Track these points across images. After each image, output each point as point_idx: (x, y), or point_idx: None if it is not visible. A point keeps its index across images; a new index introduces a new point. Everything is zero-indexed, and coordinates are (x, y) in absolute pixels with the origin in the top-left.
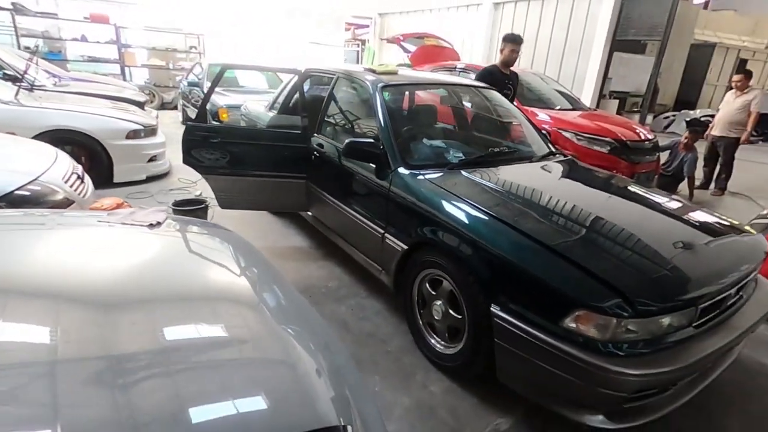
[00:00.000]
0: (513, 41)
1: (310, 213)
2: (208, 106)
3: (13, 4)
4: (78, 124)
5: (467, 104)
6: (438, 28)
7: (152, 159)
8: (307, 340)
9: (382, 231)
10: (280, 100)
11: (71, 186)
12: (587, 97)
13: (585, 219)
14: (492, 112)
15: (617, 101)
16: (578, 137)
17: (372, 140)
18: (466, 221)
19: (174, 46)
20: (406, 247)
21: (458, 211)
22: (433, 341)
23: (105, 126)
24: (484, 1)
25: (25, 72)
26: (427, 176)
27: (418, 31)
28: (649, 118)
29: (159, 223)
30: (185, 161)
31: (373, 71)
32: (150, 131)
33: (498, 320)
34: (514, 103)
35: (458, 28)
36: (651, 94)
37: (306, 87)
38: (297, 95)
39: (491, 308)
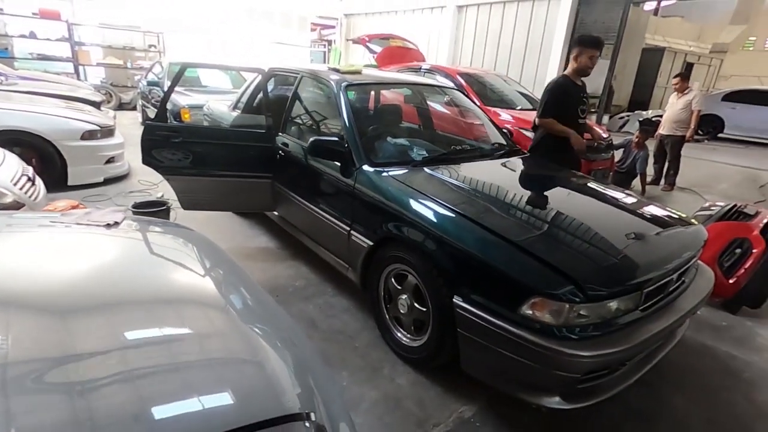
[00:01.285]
0: (594, 45)
1: (276, 213)
2: (169, 107)
3: None
4: (28, 125)
5: (431, 104)
6: (403, 30)
7: (110, 160)
8: (271, 336)
9: (348, 228)
10: (244, 99)
11: (21, 188)
12: None
13: (542, 213)
14: (454, 111)
15: None
16: None
17: (336, 138)
18: (429, 216)
19: (132, 45)
20: (371, 243)
21: (421, 206)
22: (399, 335)
23: (57, 126)
24: (447, 4)
25: None
26: (391, 173)
27: (383, 32)
28: (606, 119)
29: (117, 223)
30: (145, 162)
31: (338, 71)
32: (107, 132)
33: (460, 311)
34: (477, 103)
35: (423, 30)
36: (607, 96)
37: (270, 87)
38: (261, 95)
39: (454, 299)
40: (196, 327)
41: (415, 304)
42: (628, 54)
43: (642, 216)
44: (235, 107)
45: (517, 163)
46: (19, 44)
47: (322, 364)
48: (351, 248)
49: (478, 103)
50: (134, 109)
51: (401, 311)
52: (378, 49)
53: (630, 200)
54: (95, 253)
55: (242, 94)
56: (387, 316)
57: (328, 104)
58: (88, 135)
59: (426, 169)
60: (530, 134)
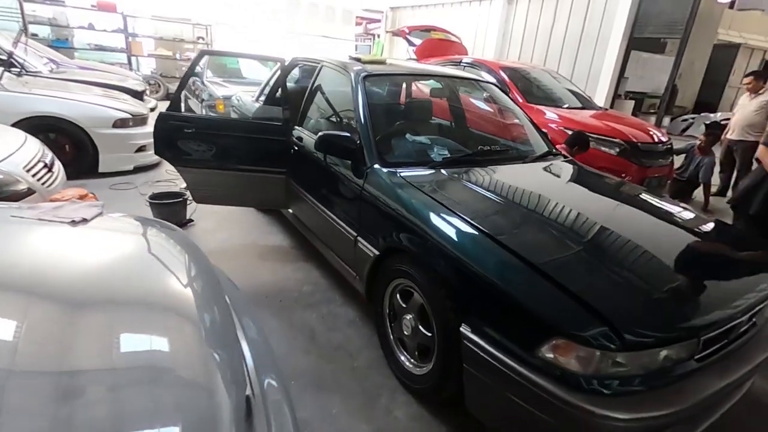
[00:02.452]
0: None
1: (290, 211)
2: (206, 98)
3: None
4: (62, 111)
5: (464, 99)
6: (450, 23)
7: (141, 149)
8: (226, 367)
9: (355, 234)
10: (267, 90)
11: (34, 175)
12: (601, 97)
13: (576, 231)
14: (488, 107)
15: (633, 102)
16: None
17: (347, 134)
18: (439, 228)
19: (182, 36)
20: (377, 253)
21: (431, 215)
22: (403, 358)
23: (90, 113)
24: None
25: (11, 55)
26: (403, 175)
27: (424, 24)
28: (666, 121)
29: (85, 220)
30: (157, 152)
31: (359, 60)
32: (139, 120)
33: (467, 342)
34: (519, 100)
35: (470, 23)
36: (669, 96)
37: (295, 78)
38: (280, 86)
39: (461, 328)
40: (142, 344)
41: (420, 327)
42: (696, 50)
43: (704, 237)
44: (257, 98)
45: (555, 168)
46: (79, 35)
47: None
48: (357, 256)
49: (521, 100)
50: None
51: (405, 332)
52: (418, 41)
53: (688, 217)
54: (49, 252)
55: (265, 85)
56: (391, 336)
57: (346, 96)
58: (120, 123)
59: (446, 171)
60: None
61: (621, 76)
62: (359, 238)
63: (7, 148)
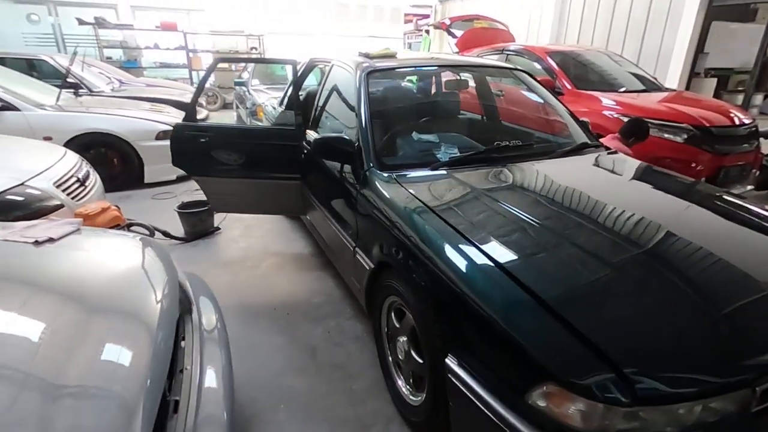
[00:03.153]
0: None
1: (308, 217)
2: (249, 105)
3: (95, 18)
4: (108, 127)
5: (484, 89)
6: (501, 12)
7: None
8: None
9: (354, 244)
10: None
11: (66, 190)
12: (674, 77)
13: (603, 248)
14: (517, 96)
15: (715, 80)
16: None
17: (344, 136)
18: (427, 241)
19: (236, 48)
20: (372, 265)
21: (424, 226)
22: (400, 383)
23: (135, 127)
24: None
25: (66, 76)
26: (399, 178)
27: (468, 14)
28: (759, 99)
29: (51, 239)
30: (174, 163)
31: (367, 55)
32: None
33: (452, 376)
34: (567, 87)
35: (524, 10)
36: (760, 71)
37: (316, 79)
38: (299, 88)
39: (447, 359)
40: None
41: (412, 352)
42: None
43: None
44: (280, 104)
45: (586, 164)
46: (147, 55)
47: None
48: (357, 268)
49: (569, 87)
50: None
51: (399, 356)
52: (460, 32)
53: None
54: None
55: (287, 90)
56: (389, 358)
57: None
58: (162, 135)
59: (454, 172)
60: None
61: (699, 51)
62: (357, 249)
63: (40, 165)
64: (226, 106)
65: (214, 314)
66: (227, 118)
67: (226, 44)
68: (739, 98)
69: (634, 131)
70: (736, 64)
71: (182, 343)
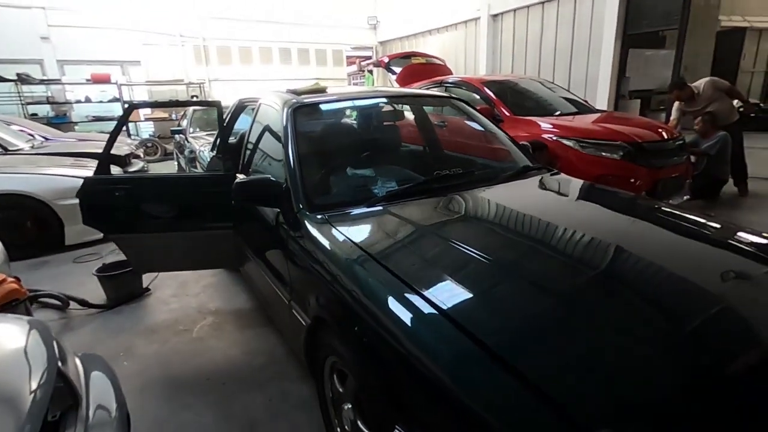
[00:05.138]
0: None
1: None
2: (187, 153)
3: (18, 74)
4: (19, 187)
5: (420, 119)
6: (439, 49)
7: None
8: None
9: (289, 297)
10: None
11: None
12: (603, 100)
13: (551, 275)
14: (456, 125)
15: (639, 101)
16: (582, 144)
17: (269, 177)
18: (364, 290)
19: (176, 97)
20: (309, 321)
21: (358, 273)
22: None
23: (51, 186)
24: (481, 15)
25: None
26: (332, 218)
27: (404, 51)
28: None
29: None
30: (85, 222)
31: (295, 92)
32: None
33: None
34: (504, 115)
35: (460, 45)
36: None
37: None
38: (227, 132)
39: (395, 431)
40: None
41: (359, 423)
42: (699, 39)
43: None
44: (212, 149)
45: (531, 186)
46: (79, 109)
47: None
48: (293, 324)
49: (507, 114)
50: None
51: (346, 427)
52: (398, 69)
53: (716, 230)
54: None
55: (217, 135)
56: (337, 429)
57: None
58: None
59: (394, 208)
60: (571, 143)
61: (621, 76)
62: (293, 303)
63: None
64: (167, 155)
65: (113, 404)
66: (168, 168)
67: (165, 94)
68: (662, 116)
69: (536, 147)
70: (655, 85)
71: None
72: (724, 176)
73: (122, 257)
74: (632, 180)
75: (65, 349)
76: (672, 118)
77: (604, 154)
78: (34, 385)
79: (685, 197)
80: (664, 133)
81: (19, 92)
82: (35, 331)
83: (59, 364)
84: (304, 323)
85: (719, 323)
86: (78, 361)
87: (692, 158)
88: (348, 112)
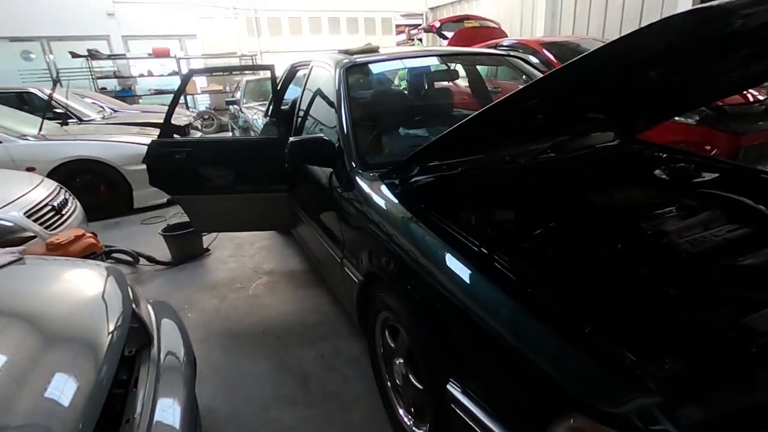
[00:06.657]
0: None
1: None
2: (242, 123)
3: (88, 50)
4: (92, 153)
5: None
6: (494, 12)
7: None
8: None
9: (341, 255)
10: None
11: (39, 219)
12: None
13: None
14: (503, 90)
15: None
16: None
17: (322, 137)
18: (422, 248)
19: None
20: (361, 278)
21: (416, 231)
22: (401, 413)
23: (121, 152)
24: None
25: (48, 104)
26: (382, 177)
27: (457, 15)
28: None
29: None
30: (151, 183)
31: (347, 52)
32: None
33: (455, 406)
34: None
35: (515, 7)
36: None
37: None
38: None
39: (448, 385)
40: None
41: (411, 377)
42: None
43: None
44: (266, 115)
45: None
46: (142, 83)
47: None
48: (345, 281)
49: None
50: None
51: (398, 381)
52: (450, 34)
53: None
54: None
55: (270, 100)
56: (388, 383)
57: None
58: None
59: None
60: None
61: None
62: (345, 260)
63: (9, 195)
64: (222, 128)
65: (181, 348)
66: None
67: (219, 66)
68: None
69: None
70: None
71: (136, 384)
72: None
73: (185, 219)
74: (708, 147)
75: (138, 295)
76: None
77: (677, 118)
78: (111, 325)
79: None
80: (749, 95)
81: (90, 67)
82: (112, 277)
83: (134, 306)
84: (356, 280)
85: None
86: (149, 307)
87: None
88: (400, 72)
